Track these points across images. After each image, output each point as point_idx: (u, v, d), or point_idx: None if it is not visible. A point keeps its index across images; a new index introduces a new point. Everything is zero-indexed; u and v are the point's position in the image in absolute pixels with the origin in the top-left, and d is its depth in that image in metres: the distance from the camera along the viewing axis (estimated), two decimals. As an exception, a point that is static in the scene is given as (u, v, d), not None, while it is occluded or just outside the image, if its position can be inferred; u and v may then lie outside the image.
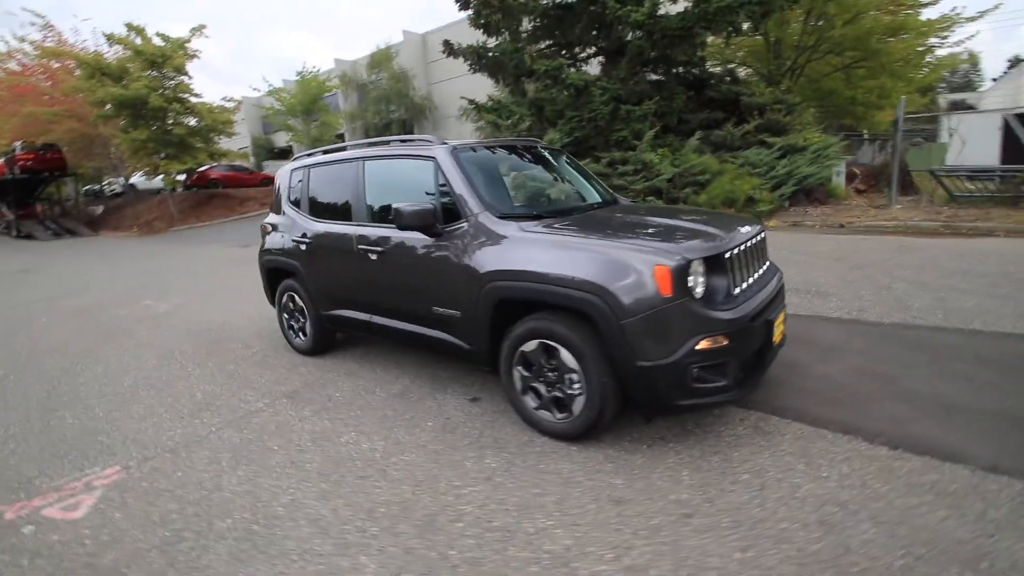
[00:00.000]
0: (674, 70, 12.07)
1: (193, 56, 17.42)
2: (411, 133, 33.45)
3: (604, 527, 1.97)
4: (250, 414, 3.19)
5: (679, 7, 10.61)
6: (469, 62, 13.10)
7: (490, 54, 12.08)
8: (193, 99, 18.14)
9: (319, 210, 3.81)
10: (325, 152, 3.97)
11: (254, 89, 27.94)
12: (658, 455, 2.41)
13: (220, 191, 22.80)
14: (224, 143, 20.74)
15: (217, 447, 2.81)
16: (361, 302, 3.50)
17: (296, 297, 4.06)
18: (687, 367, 2.21)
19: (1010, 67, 35.91)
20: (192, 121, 18.40)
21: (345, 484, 2.38)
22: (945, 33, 13.20)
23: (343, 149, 3.95)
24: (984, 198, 8.90)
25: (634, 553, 1.82)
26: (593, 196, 3.54)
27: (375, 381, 3.56)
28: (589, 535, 1.93)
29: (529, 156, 3.54)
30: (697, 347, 2.20)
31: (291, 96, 25.19)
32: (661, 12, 10.25)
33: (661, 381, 2.23)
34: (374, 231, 3.28)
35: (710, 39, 12.02)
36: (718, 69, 13.79)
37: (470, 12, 11.80)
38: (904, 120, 11.70)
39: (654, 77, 12.32)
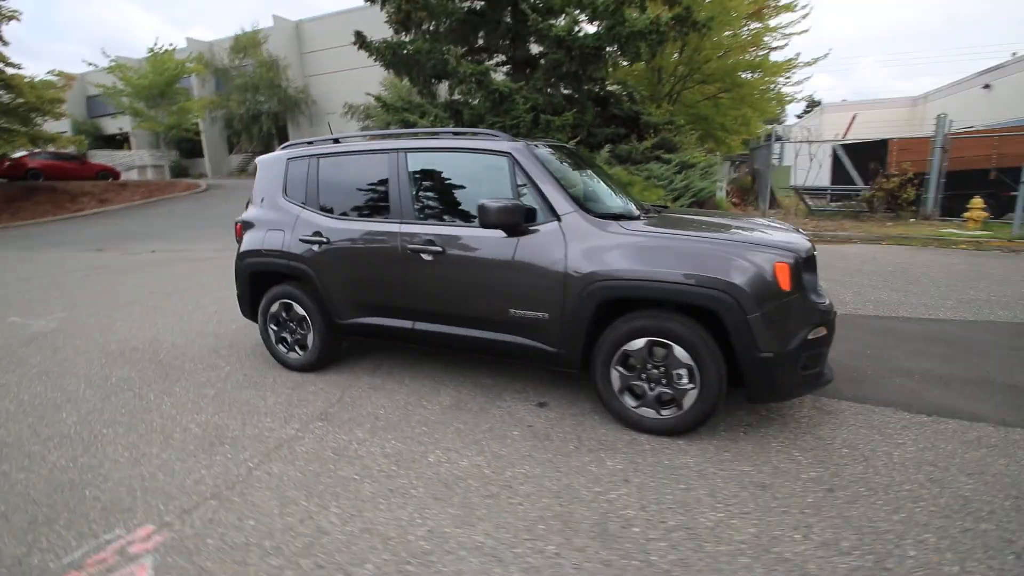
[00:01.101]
0: (584, 86, 12.82)
1: (11, 17, 14.05)
2: (284, 127, 30.77)
3: (772, 511, 2.07)
4: (287, 442, 2.71)
5: (591, 27, 11.36)
6: (380, 58, 12.52)
7: (407, 52, 11.66)
8: (9, 70, 14.61)
9: (337, 206, 3.37)
10: (337, 141, 3.52)
11: (89, 64, 23.19)
12: (760, 441, 2.59)
13: (41, 184, 18.68)
14: (51, 126, 17.04)
15: (277, 485, 2.35)
16: (403, 308, 3.17)
17: (295, 306, 3.54)
18: (800, 356, 2.42)
19: (808, 108, 44.47)
20: (7, 97, 14.81)
21: (477, 505, 2.16)
22: (788, 74, 15.94)
23: (354, 138, 3.55)
24: (835, 212, 10.91)
25: (816, 530, 1.95)
26: (622, 200, 3.62)
27: (414, 394, 3.25)
28: (765, 520, 2.02)
29: (569, 158, 3.53)
30: (808, 337, 2.43)
31: (140, 76, 21.54)
32: (577, 31, 10.81)
33: (779, 371, 2.41)
34: (429, 229, 3.00)
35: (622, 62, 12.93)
36: (616, 88, 14.96)
37: (388, 7, 11.26)
38: (757, 145, 13.90)
39: (565, 91, 12.94)
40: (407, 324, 3.18)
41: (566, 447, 2.59)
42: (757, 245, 2.46)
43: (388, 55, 12.07)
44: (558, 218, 2.72)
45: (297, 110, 30.04)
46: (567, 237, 2.68)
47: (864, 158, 14.56)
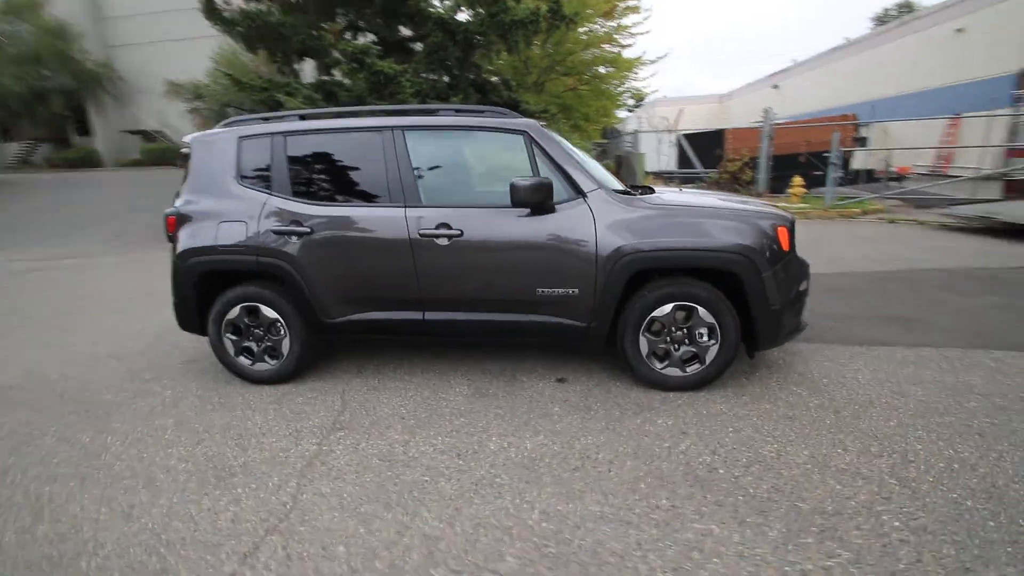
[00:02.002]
0: (466, 73, 12.76)
1: None
2: (81, 108, 25.21)
3: (808, 436, 2.43)
4: (317, 459, 2.39)
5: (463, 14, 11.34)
6: (229, 29, 11.03)
7: (269, 24, 10.41)
8: None
9: (318, 190, 2.99)
10: (303, 118, 3.10)
11: None
12: (762, 384, 2.99)
13: None
14: None
15: (341, 504, 2.08)
16: (412, 299, 2.95)
17: (262, 309, 3.06)
18: (795, 306, 2.85)
19: (637, 103, 49.93)
20: None
21: (570, 480, 2.17)
22: (636, 70, 17.70)
23: (325, 116, 3.16)
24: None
25: (848, 444, 2.35)
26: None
27: (424, 388, 3.07)
28: (809, 443, 2.37)
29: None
30: (800, 289, 2.86)
31: None
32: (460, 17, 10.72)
33: (784, 320, 2.81)
34: (443, 212, 2.83)
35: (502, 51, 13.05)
36: (489, 76, 15.16)
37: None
38: (614, 135, 15.33)
39: (445, 78, 12.76)
40: (416, 315, 2.98)
41: (612, 414, 2.70)
42: (761, 213, 2.82)
43: (245, 27, 10.66)
44: (583, 195, 2.79)
45: (99, 87, 24.90)
46: (595, 213, 2.76)
47: (703, 146, 16.95)
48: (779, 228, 2.76)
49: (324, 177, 3.01)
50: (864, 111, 15.51)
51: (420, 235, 2.84)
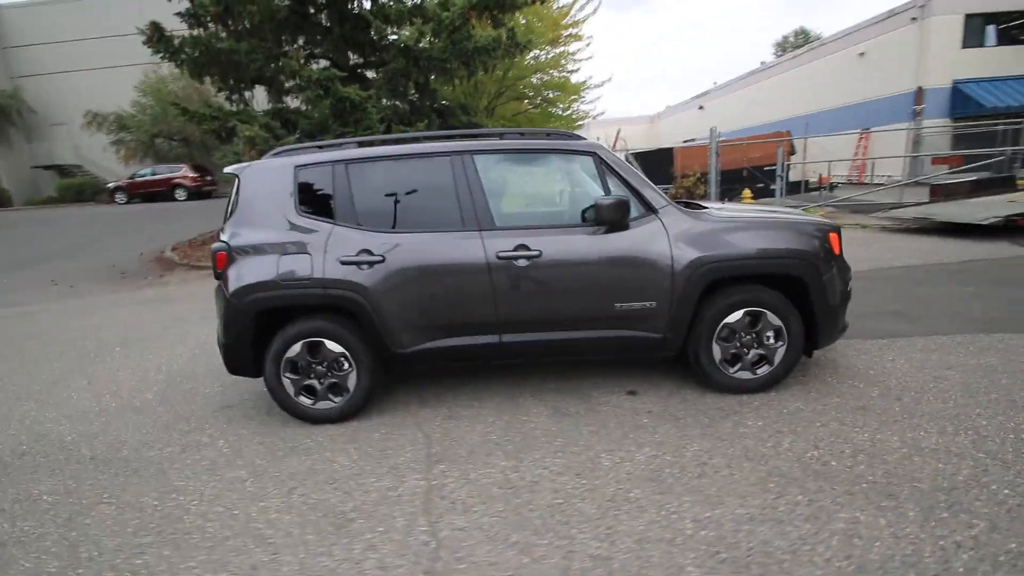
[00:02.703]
0: (426, 100, 12.79)
1: None
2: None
3: (888, 423, 2.63)
4: (432, 493, 2.30)
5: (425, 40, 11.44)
6: (174, 56, 10.52)
7: (221, 50, 10.01)
8: None
9: (386, 218, 2.91)
10: (361, 144, 3.03)
11: None
12: (821, 380, 3.19)
13: None
14: None
15: (489, 536, 2.01)
16: (489, 322, 2.92)
17: (326, 344, 2.92)
18: (845, 305, 3.09)
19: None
20: None
21: (701, 487, 2.22)
22: (582, 94, 18.50)
23: (383, 143, 3.11)
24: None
25: (926, 428, 2.57)
26: None
27: (501, 412, 3.03)
28: (894, 429, 2.56)
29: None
30: (847, 289, 3.11)
31: None
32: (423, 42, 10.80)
33: (840, 317, 3.03)
34: (520, 233, 2.85)
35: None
36: (446, 101, 15.29)
37: (194, -3, 9.52)
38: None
39: (405, 104, 12.74)
40: (493, 339, 2.95)
41: (702, 420, 2.79)
42: (813, 222, 3.06)
43: (195, 54, 10.18)
44: (654, 211, 2.91)
45: (5, 119, 22.70)
46: (668, 228, 2.88)
47: (652, 164, 17.85)
48: (831, 234, 3.00)
49: (394, 203, 2.95)
50: (799, 127, 17.06)
51: (498, 258, 2.83)
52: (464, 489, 2.33)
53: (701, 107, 32.06)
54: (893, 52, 17.71)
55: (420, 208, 2.96)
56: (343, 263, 2.84)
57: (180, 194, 19.68)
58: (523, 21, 16.13)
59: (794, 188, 14.44)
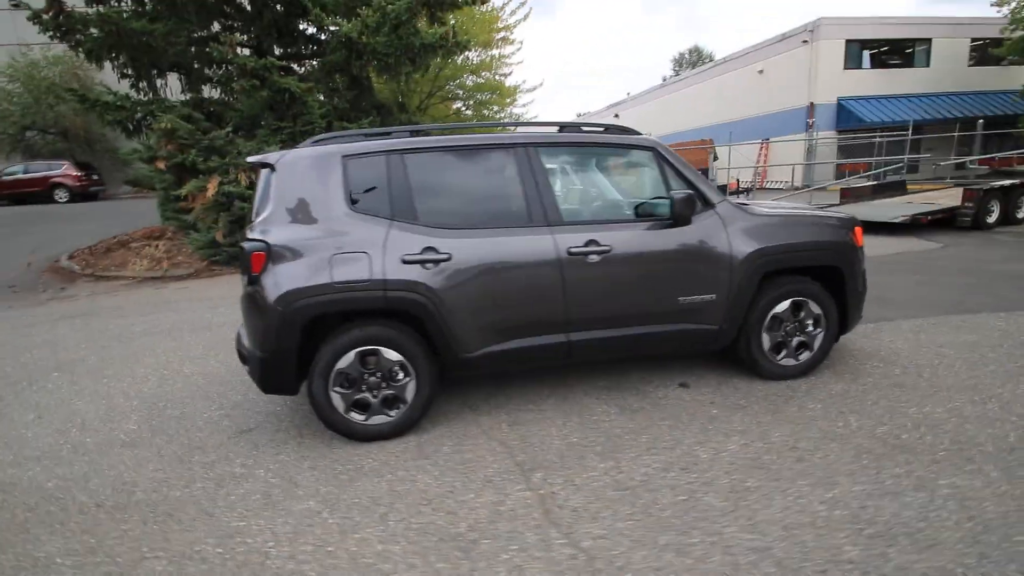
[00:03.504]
0: (364, 96, 12.17)
1: None
2: None
3: (930, 397, 2.89)
4: (547, 505, 2.16)
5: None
6: (66, 36, 9.19)
7: (134, 31, 8.84)
8: None
9: (451, 212, 2.71)
10: (414, 134, 2.78)
11: None
12: (849, 363, 3.44)
13: None
14: None
15: (643, 541, 1.92)
16: (558, 321, 2.81)
17: (383, 352, 2.65)
18: (865, 291, 3.38)
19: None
20: None
21: (807, 470, 2.29)
22: (516, 97, 18.71)
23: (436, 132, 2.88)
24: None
25: (958, 400, 2.86)
26: None
27: (568, 414, 2.94)
28: (938, 401, 2.83)
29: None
30: (864, 277, 3.40)
31: None
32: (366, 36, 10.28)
33: (863, 303, 3.30)
34: (590, 228, 2.78)
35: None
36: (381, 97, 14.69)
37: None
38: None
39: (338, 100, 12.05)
40: (561, 338, 2.85)
41: (766, 407, 2.90)
42: (841, 216, 3.30)
43: (99, 34, 8.89)
44: (711, 205, 2.97)
45: None
46: (725, 222, 2.96)
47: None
48: (856, 228, 3.26)
49: (457, 197, 2.75)
50: (714, 135, 18.53)
51: (569, 253, 2.75)
52: (578, 496, 2.22)
53: (616, 115, 33.72)
54: (788, 71, 19.85)
55: (485, 202, 2.79)
56: (406, 262, 2.59)
57: (61, 195, 16.98)
58: (453, 21, 15.99)
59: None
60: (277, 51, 11.13)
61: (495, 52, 17.51)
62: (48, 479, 2.60)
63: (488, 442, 2.71)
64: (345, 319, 2.65)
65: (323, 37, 11.34)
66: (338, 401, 2.66)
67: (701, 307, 2.97)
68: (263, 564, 1.93)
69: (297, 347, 2.58)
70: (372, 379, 2.69)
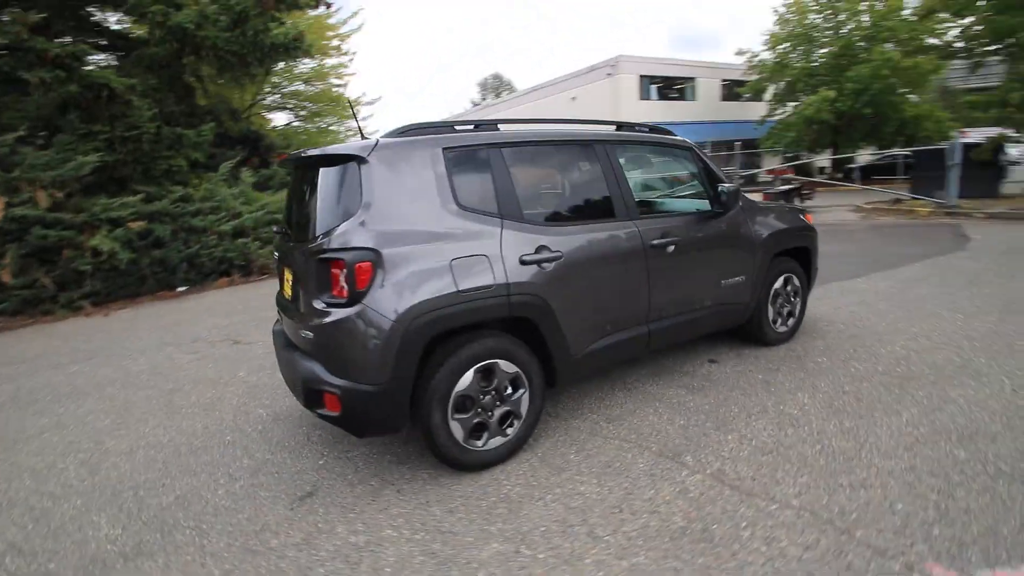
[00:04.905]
0: (192, 99, 10.25)
1: None
2: None
3: (947, 342, 3.76)
4: (721, 486, 2.24)
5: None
6: None
7: None
8: None
9: (551, 208, 2.61)
10: (477, 127, 2.57)
11: None
12: (816, 329, 4.23)
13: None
14: None
15: (811, 511, 2.13)
16: (641, 313, 2.87)
17: (500, 366, 2.40)
18: (813, 266, 4.22)
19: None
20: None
21: (892, 433, 2.79)
22: (357, 109, 17.78)
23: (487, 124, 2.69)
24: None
25: (968, 350, 3.78)
26: None
27: (644, 402, 3.03)
28: (958, 346, 3.69)
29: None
30: (811, 255, 4.24)
31: None
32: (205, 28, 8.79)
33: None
34: (665, 222, 2.93)
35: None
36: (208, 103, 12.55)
37: None
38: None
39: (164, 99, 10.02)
40: (643, 330, 2.92)
41: (794, 367, 3.39)
42: (794, 208, 4.05)
43: None
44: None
45: None
46: (746, 212, 3.41)
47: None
48: (807, 215, 4.05)
49: (554, 192, 2.62)
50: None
51: (651, 246, 2.86)
52: (741, 466, 2.34)
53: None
54: (597, 98, 22.89)
55: (578, 197, 2.73)
56: (524, 263, 2.39)
57: None
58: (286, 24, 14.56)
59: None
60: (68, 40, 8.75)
61: (329, 61, 16.45)
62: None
63: (606, 442, 2.64)
64: (460, 333, 2.32)
65: (135, 31, 9.32)
66: (457, 429, 2.31)
67: (736, 287, 3.36)
68: (515, 624, 1.61)
69: (417, 372, 2.17)
70: (487, 398, 2.40)
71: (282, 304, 2.77)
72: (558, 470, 2.42)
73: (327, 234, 2.18)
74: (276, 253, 2.96)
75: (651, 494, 2.20)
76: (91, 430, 3.25)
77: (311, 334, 2.24)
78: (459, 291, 2.21)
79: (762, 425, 2.70)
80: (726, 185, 3.12)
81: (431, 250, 2.21)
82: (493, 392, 2.41)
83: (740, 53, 19.97)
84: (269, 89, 15.99)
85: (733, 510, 2.05)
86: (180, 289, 8.30)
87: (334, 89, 16.71)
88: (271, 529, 2.14)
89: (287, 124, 16.49)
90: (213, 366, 4.33)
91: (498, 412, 2.44)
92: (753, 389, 3.12)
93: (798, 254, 3.85)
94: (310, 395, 2.25)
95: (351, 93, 18.57)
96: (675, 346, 3.84)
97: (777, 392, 3.06)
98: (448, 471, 2.44)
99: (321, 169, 2.34)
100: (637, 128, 3.21)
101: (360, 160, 2.19)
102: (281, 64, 14.12)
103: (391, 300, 2.09)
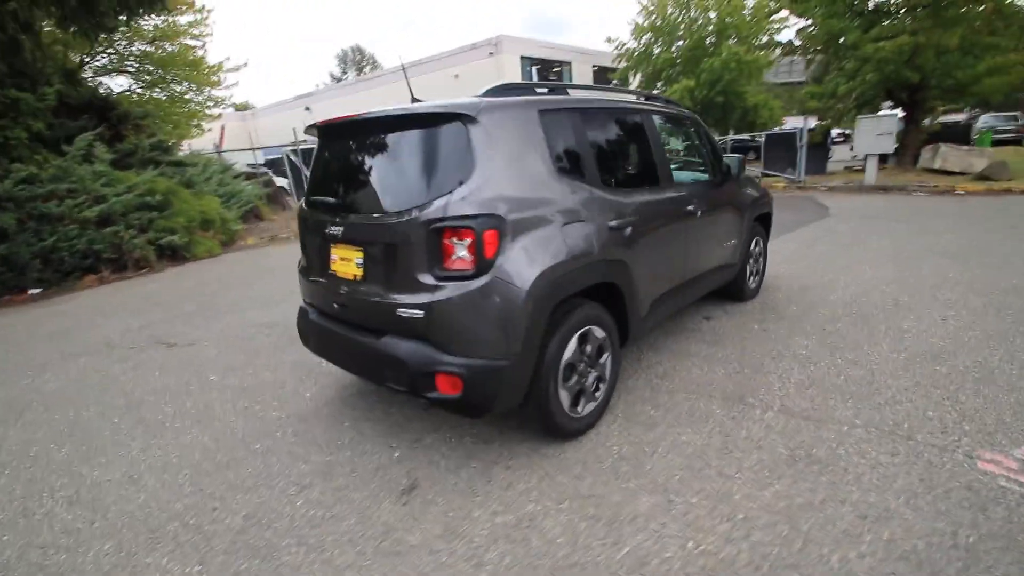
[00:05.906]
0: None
1: None
2: None
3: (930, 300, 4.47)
4: (789, 413, 2.56)
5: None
6: None
7: None
8: None
9: (619, 174, 2.62)
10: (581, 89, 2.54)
11: None
12: (778, 288, 4.83)
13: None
14: None
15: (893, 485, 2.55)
16: (676, 275, 3.07)
17: (593, 331, 2.43)
18: (762, 230, 4.83)
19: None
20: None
21: (914, 374, 3.36)
22: (218, 77, 15.57)
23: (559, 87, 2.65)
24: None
25: (955, 314, 4.54)
26: None
27: (682, 358, 3.27)
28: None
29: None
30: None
31: None
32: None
33: (768, 238, 4.73)
34: (689, 188, 3.15)
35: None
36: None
37: None
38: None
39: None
40: (679, 288, 3.14)
41: (775, 317, 3.89)
42: (754, 177, 4.56)
43: None
44: (729, 168, 3.74)
45: None
46: (738, 183, 3.78)
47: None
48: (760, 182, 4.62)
49: (619, 159, 2.65)
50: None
51: (686, 212, 3.06)
52: (796, 399, 2.68)
53: (308, 108, 31.55)
54: (479, 77, 22.78)
55: (634, 163, 2.79)
56: (612, 229, 2.42)
57: None
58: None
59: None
60: None
61: (182, 20, 14.07)
62: None
63: (672, 396, 2.82)
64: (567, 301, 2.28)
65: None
66: (565, 398, 2.30)
67: (732, 249, 3.75)
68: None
69: (542, 343, 2.11)
70: (582, 366, 2.42)
71: (332, 285, 2.44)
72: (650, 426, 2.53)
73: (429, 203, 1.98)
74: (305, 231, 2.59)
75: (745, 433, 2.42)
76: (52, 463, 2.57)
77: (418, 312, 2.03)
78: (573, 257, 2.18)
79: (787, 365, 3.09)
80: (732, 156, 3.45)
81: (545, 215, 2.14)
82: (586, 359, 2.43)
83: (609, 41, 21.33)
84: (101, 49, 13.23)
85: (819, 435, 2.36)
86: (33, 292, 6.69)
87: (193, 52, 14.37)
88: (398, 528, 1.95)
89: (125, 91, 13.78)
90: (162, 374, 3.63)
91: (591, 377, 2.46)
92: (758, 337, 3.53)
93: (762, 219, 4.39)
94: (418, 379, 2.05)
95: (211, 57, 16.15)
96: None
97: (778, 337, 3.50)
98: (542, 442, 2.41)
99: (408, 131, 2.10)
100: (641, 98, 3.38)
101: (469, 120, 2.01)
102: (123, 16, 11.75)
103: (521, 268, 1.99)
